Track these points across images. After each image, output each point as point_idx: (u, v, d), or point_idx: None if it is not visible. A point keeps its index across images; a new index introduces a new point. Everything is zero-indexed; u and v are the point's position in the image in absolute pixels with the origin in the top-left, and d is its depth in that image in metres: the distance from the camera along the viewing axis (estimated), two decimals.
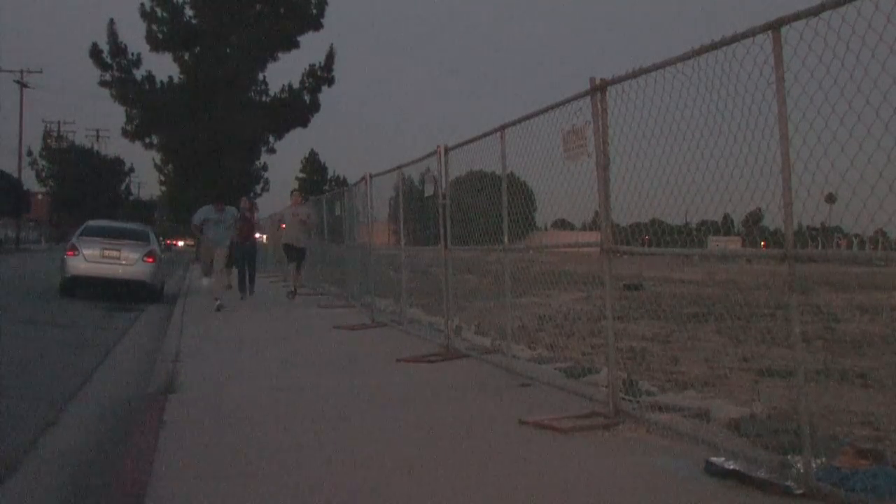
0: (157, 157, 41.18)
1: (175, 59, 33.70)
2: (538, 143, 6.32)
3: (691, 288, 17.12)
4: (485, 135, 7.55)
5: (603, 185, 5.25)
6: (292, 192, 16.70)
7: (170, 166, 41.22)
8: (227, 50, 33.08)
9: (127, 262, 15.31)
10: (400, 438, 4.77)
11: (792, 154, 3.72)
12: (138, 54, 33.35)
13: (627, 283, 16.15)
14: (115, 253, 15.25)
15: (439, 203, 8.68)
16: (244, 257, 15.19)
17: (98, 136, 76.81)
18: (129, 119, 34.09)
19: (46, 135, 70.25)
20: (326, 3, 34.07)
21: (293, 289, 15.19)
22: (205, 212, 13.44)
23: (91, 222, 17.54)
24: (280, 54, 34.15)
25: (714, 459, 4.05)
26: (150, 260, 15.57)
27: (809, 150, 3.58)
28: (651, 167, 4.85)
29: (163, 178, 49.52)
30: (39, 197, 76.45)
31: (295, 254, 15.26)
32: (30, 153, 67.15)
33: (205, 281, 13.91)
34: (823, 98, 3.49)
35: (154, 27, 33.04)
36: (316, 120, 35.62)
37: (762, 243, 5.09)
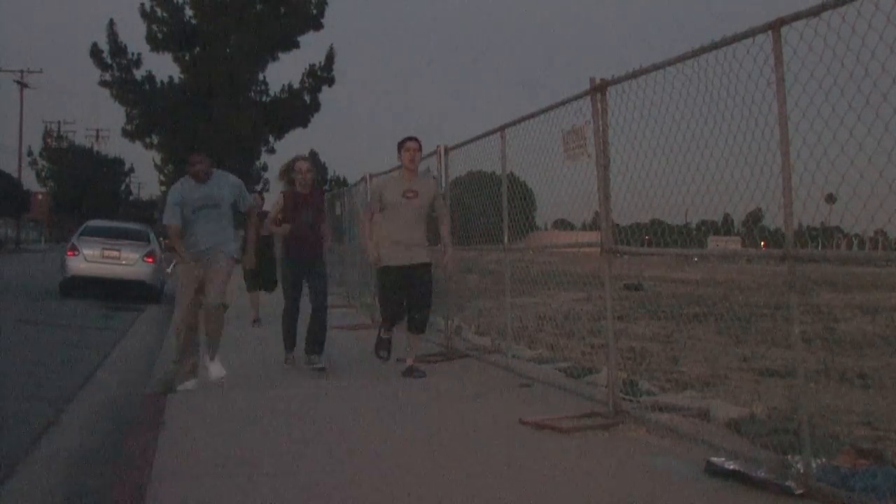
0: (157, 157, 41.17)
1: (175, 59, 33.67)
2: (538, 143, 6.32)
3: (691, 288, 17.13)
4: (485, 135, 7.55)
5: (603, 185, 5.25)
6: (404, 142, 6.85)
7: (170, 166, 41.19)
8: (227, 50, 33.05)
9: (127, 262, 15.31)
10: (399, 438, 4.77)
11: (792, 154, 3.72)
12: (138, 54, 33.34)
13: (627, 283, 16.16)
14: (115, 253, 15.25)
15: None
16: (300, 279, 7.32)
17: (98, 136, 76.86)
18: (129, 119, 34.06)
19: (46, 135, 70.30)
20: (326, 3, 34.05)
21: (408, 362, 6.84)
22: (177, 192, 6.28)
23: (91, 222, 17.55)
24: (280, 54, 34.13)
25: (714, 459, 4.05)
26: (150, 260, 15.57)
27: (809, 150, 3.59)
28: (651, 167, 4.85)
29: (163, 178, 49.52)
30: (39, 197, 76.52)
31: (408, 288, 6.77)
32: (30, 153, 67.26)
33: (185, 385, 6.12)
34: (823, 98, 3.49)
35: (154, 27, 33.01)
36: (316, 120, 35.61)
37: (762, 243, 5.09)
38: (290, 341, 7.40)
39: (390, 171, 11.25)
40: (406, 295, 6.84)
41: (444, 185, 8.65)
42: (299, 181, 7.33)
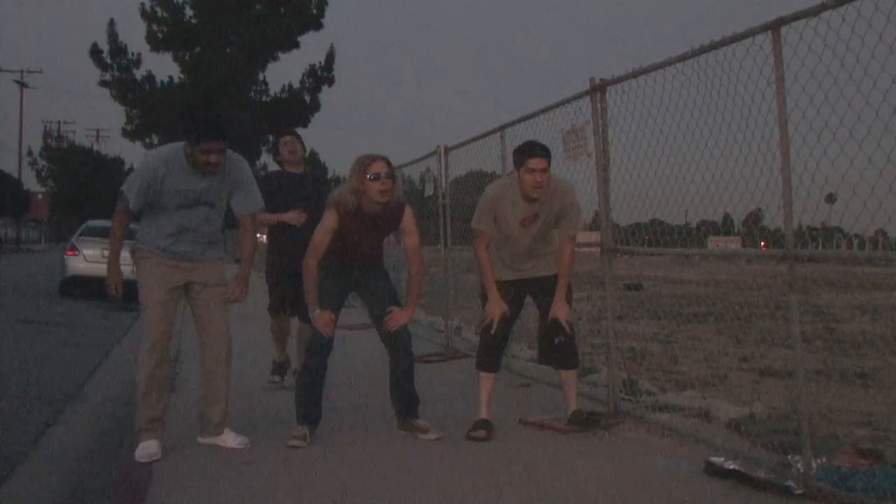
0: None
1: (175, 59, 33.70)
2: None
3: (691, 288, 17.13)
4: (485, 135, 7.55)
5: (603, 185, 5.25)
6: (526, 158, 4.68)
7: None
8: (227, 50, 33.07)
9: (127, 262, 15.25)
10: (397, 438, 4.77)
11: (792, 154, 3.72)
12: (138, 54, 33.37)
13: (627, 283, 16.16)
14: None
15: (439, 203, 8.68)
16: (342, 295, 4.85)
17: (98, 136, 76.91)
18: (129, 119, 34.10)
19: (46, 135, 70.32)
20: (326, 3, 34.08)
21: (571, 405, 5.03)
22: (158, 171, 4.22)
23: (91, 222, 17.54)
24: (280, 54, 34.16)
25: (714, 459, 4.05)
26: None
27: (809, 150, 3.59)
28: (651, 167, 4.86)
29: None
30: (39, 197, 76.49)
31: (539, 306, 5.03)
32: (30, 153, 67.25)
33: (147, 446, 4.23)
34: (823, 98, 3.49)
35: (154, 27, 33.04)
36: (316, 120, 35.61)
37: (762, 243, 5.09)
38: (311, 406, 4.65)
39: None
40: (514, 323, 5.11)
41: (444, 184, 8.65)
42: (373, 193, 4.45)
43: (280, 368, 6.32)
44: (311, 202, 5.67)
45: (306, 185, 5.97)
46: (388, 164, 4.54)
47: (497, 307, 4.84)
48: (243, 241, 4.62)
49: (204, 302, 4.44)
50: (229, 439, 4.47)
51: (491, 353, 4.99)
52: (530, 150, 4.74)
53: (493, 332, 4.88)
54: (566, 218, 4.83)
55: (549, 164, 4.73)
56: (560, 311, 4.84)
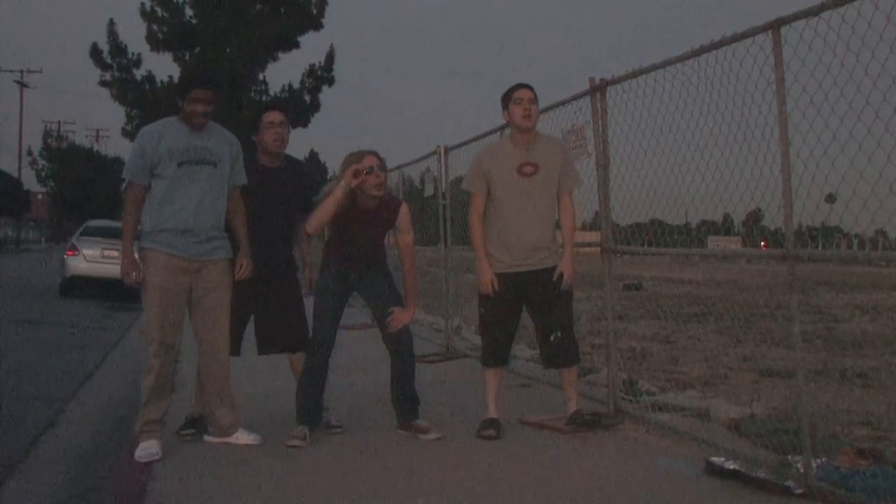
0: None
1: (175, 59, 33.68)
2: None
3: (691, 288, 17.13)
4: (485, 135, 7.54)
5: (603, 185, 5.26)
6: (512, 92, 4.78)
7: None
8: (227, 50, 33.06)
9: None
10: (397, 438, 4.77)
11: (792, 154, 3.73)
12: (138, 54, 33.29)
13: (627, 283, 16.16)
14: (115, 253, 15.21)
15: (439, 203, 8.68)
16: (343, 298, 4.78)
17: (98, 136, 76.92)
18: (129, 119, 34.06)
19: (46, 135, 70.32)
20: (326, 3, 34.07)
21: (571, 407, 5.00)
22: (152, 136, 4.21)
23: (91, 222, 17.59)
24: (280, 54, 34.11)
25: (714, 459, 4.05)
26: None
27: (809, 150, 3.59)
28: (651, 167, 4.86)
29: None
30: (39, 197, 76.53)
31: (531, 306, 4.90)
32: (30, 153, 67.24)
33: (147, 446, 4.23)
34: (823, 98, 3.49)
35: (154, 27, 32.99)
36: (316, 120, 35.56)
37: (762, 243, 5.09)
38: (311, 406, 4.68)
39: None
40: (518, 319, 5.01)
41: (444, 184, 8.64)
42: (368, 188, 4.50)
43: (193, 422, 4.71)
44: (292, 205, 4.77)
45: (285, 184, 4.72)
46: (379, 157, 4.60)
47: (486, 275, 4.80)
48: (236, 215, 4.49)
49: (209, 306, 4.39)
50: (242, 437, 4.52)
51: (497, 350, 5.02)
52: (515, 86, 4.86)
53: (491, 296, 4.79)
54: (565, 175, 4.88)
55: (535, 98, 4.81)
56: (567, 268, 4.77)
